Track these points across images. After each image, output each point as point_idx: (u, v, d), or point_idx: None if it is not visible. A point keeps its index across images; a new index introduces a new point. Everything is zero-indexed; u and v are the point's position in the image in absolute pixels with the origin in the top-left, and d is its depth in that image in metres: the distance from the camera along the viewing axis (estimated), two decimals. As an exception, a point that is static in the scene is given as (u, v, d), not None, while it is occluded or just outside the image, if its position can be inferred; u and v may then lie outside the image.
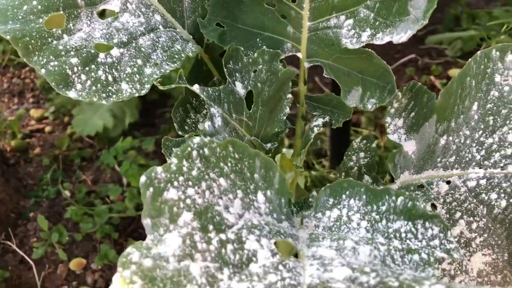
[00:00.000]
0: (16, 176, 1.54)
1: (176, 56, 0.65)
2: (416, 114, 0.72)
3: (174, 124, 0.63)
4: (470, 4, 2.41)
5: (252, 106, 0.66)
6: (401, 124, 0.73)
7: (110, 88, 0.61)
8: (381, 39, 0.59)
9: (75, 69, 0.60)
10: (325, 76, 0.67)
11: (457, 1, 2.47)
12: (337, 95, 0.70)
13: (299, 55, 0.69)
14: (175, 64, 0.64)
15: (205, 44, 0.71)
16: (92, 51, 0.61)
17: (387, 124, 0.74)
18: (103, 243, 1.37)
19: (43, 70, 0.59)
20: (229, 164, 0.48)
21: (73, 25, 0.62)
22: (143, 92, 0.61)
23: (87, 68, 0.60)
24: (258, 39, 0.67)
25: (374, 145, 0.80)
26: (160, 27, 0.66)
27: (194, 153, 0.46)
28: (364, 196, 0.53)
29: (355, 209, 0.51)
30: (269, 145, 0.70)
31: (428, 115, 0.70)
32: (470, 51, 2.06)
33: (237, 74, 0.64)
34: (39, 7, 0.59)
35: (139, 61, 0.63)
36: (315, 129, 0.69)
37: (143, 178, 0.44)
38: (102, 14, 0.65)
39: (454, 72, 1.73)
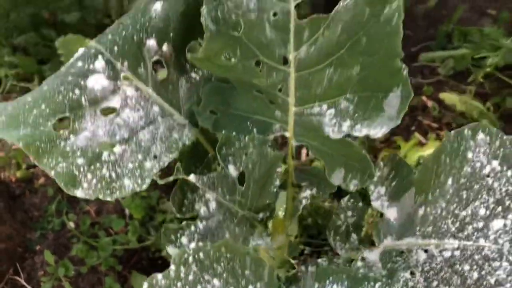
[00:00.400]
0: (22, 208, 1.61)
1: (174, 145, 0.70)
2: (397, 184, 0.77)
3: (173, 207, 0.69)
4: (462, 19, 2.46)
5: (245, 184, 0.72)
6: (383, 192, 0.79)
7: (113, 184, 0.66)
8: (360, 131, 0.64)
9: (82, 169, 0.65)
10: (311, 155, 0.73)
11: (450, 17, 2.51)
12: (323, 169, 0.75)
13: (287, 134, 0.74)
14: (173, 155, 0.70)
15: (200, 126, 0.76)
16: (97, 150, 0.67)
17: (370, 191, 0.79)
18: (108, 275, 1.43)
19: (52, 172, 0.65)
20: (222, 264, 0.53)
21: (78, 125, 0.67)
22: (144, 187, 0.67)
23: (92, 167, 0.66)
24: (249, 122, 0.72)
25: (360, 204, 0.85)
26: (159, 117, 0.71)
27: (190, 258, 0.52)
28: (346, 282, 0.59)
29: (338, 294, 0.57)
30: (261, 215, 0.76)
31: (408, 186, 0.76)
32: (462, 70, 2.10)
33: (230, 158, 0.70)
34: (47, 110, 0.64)
35: (140, 156, 0.68)
36: (303, 201, 0.75)
37: (145, 285, 0.50)
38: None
39: (445, 96, 1.77)
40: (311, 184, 0.77)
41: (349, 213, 0.85)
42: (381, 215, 0.78)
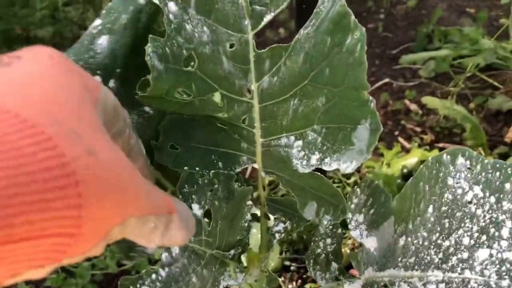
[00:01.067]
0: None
1: None
2: (376, 212, 0.73)
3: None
4: (442, 19, 2.43)
5: (211, 222, 0.67)
6: (361, 220, 0.75)
7: None
8: (329, 164, 0.60)
9: None
10: (281, 187, 0.68)
11: (430, 17, 2.48)
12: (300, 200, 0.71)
13: (255, 165, 0.69)
14: None
15: (157, 163, 0.71)
16: None
17: (348, 220, 0.75)
18: (87, 303, 1.38)
19: None
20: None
21: None
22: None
23: None
24: (213, 156, 0.68)
25: (340, 231, 0.81)
26: None
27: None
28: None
29: None
30: (232, 251, 0.71)
31: (387, 215, 0.72)
32: (443, 72, 2.08)
33: (193, 196, 0.65)
34: None
35: None
36: (277, 236, 0.70)
37: None
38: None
39: (427, 100, 1.75)
40: (284, 216, 0.72)
41: (328, 240, 0.81)
42: (360, 245, 0.74)
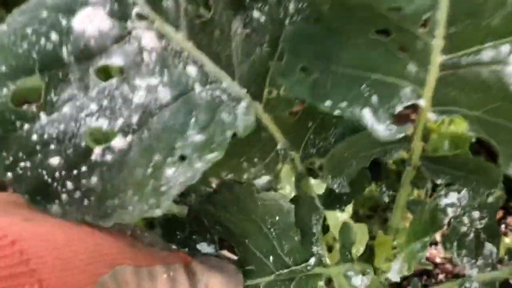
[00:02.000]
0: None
1: (219, 137, 0.40)
2: None
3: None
4: None
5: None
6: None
7: (110, 202, 0.39)
8: None
9: (57, 174, 0.38)
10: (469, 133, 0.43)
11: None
12: (474, 156, 0.46)
13: (421, 102, 0.44)
14: (215, 154, 0.39)
15: (265, 99, 0.45)
16: (83, 144, 0.38)
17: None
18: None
19: (9, 174, 0.38)
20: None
21: (55, 96, 0.38)
22: (159, 211, 0.38)
23: (75, 173, 0.38)
24: (363, 86, 0.42)
25: (491, 199, 0.57)
26: (196, 86, 0.41)
27: None
28: None
29: None
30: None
31: None
32: None
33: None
34: (3, 68, 0.36)
35: (157, 157, 0.39)
36: (449, 212, 0.46)
37: None
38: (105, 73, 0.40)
39: None
40: (453, 180, 0.48)
41: (476, 214, 0.57)
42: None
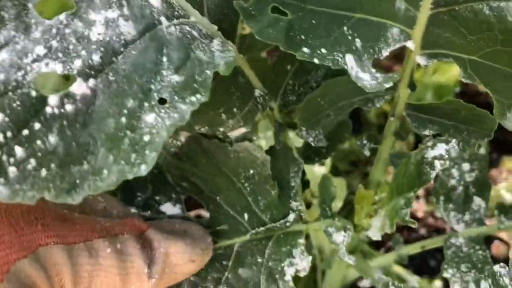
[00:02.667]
0: None
1: (198, 77, 0.34)
2: None
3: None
4: None
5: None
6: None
7: (77, 168, 0.30)
8: None
9: (1, 138, 0.29)
10: (462, 79, 0.39)
11: None
12: (466, 103, 0.42)
13: (410, 45, 0.40)
14: (198, 96, 0.33)
15: (239, 39, 0.40)
16: (33, 93, 0.30)
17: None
18: None
19: None
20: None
21: None
22: (145, 168, 0.31)
23: (25, 133, 0.30)
24: (346, 27, 0.37)
25: (482, 150, 0.54)
26: (162, 19, 0.35)
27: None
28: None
29: None
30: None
31: None
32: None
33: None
34: None
35: (131, 103, 0.32)
36: (437, 165, 0.42)
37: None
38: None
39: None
40: (442, 130, 0.44)
41: (465, 166, 0.54)
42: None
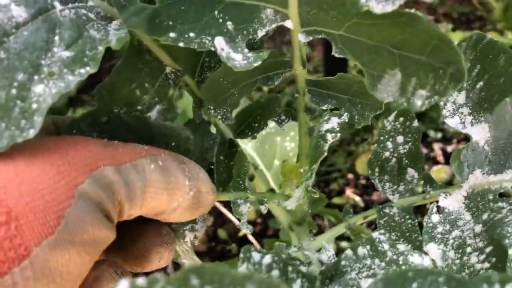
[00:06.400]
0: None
1: (89, 52, 0.38)
2: (487, 85, 0.46)
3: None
4: None
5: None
6: (462, 100, 0.47)
7: None
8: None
9: None
10: (335, 55, 0.40)
11: None
12: (358, 76, 0.43)
13: (288, 24, 0.41)
14: (88, 68, 0.37)
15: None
16: None
17: (442, 103, 0.48)
18: None
19: None
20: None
21: None
22: (33, 131, 0.34)
23: None
24: (217, 11, 0.40)
25: (415, 123, 0.54)
26: (56, 4, 0.39)
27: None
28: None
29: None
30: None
31: (509, 85, 0.44)
32: None
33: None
34: None
35: (21, 76, 0.36)
36: (329, 137, 0.44)
37: None
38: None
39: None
40: (339, 105, 0.45)
41: (400, 138, 0.54)
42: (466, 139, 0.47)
